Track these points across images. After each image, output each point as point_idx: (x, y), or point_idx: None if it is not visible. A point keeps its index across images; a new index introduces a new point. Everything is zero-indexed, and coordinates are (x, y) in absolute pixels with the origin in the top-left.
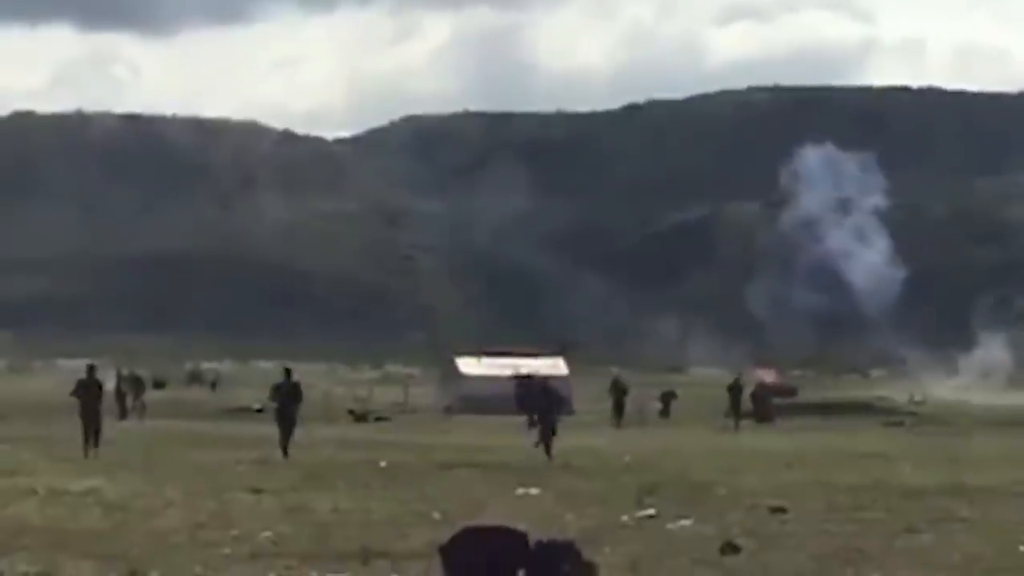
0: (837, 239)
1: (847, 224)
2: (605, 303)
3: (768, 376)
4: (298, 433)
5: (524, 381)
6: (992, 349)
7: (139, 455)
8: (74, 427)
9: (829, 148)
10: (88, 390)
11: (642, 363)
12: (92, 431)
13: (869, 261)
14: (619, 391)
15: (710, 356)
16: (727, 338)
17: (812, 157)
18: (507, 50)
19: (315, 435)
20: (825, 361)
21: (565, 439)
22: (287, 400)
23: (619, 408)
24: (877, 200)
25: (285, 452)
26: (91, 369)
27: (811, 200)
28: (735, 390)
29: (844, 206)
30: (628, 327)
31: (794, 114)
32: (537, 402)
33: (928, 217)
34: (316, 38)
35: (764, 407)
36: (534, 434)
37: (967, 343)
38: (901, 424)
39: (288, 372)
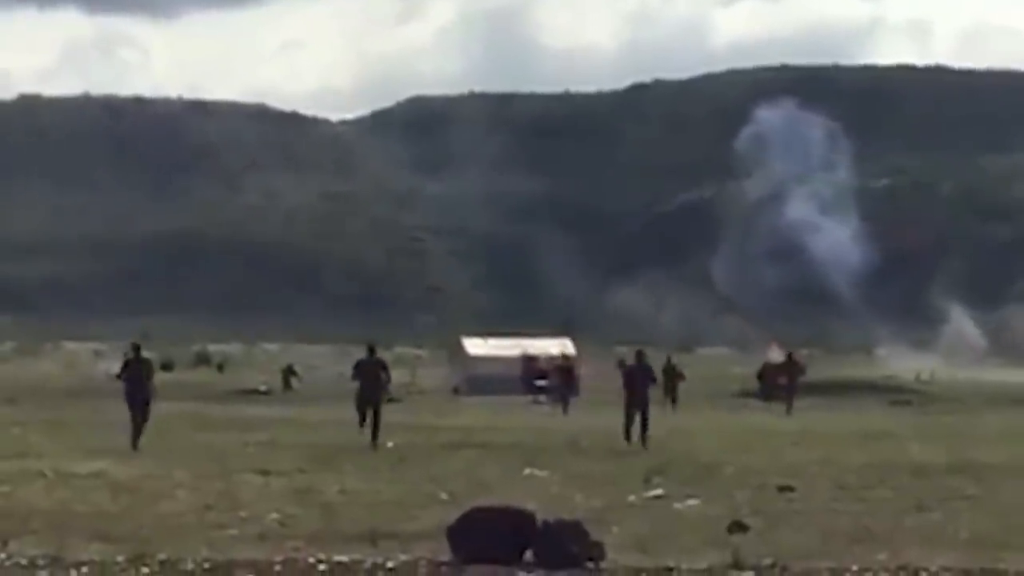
0: (801, 210)
1: (810, 194)
2: (611, 284)
3: (776, 355)
4: (306, 414)
5: (529, 363)
6: (1000, 325)
7: (147, 437)
8: (86, 410)
9: (790, 108)
10: (135, 371)
11: (651, 343)
12: (143, 416)
13: (836, 236)
14: (671, 372)
15: (718, 336)
16: (731, 319)
17: (772, 120)
18: (512, 30)
19: (323, 416)
20: (823, 340)
21: (572, 420)
22: (370, 380)
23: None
24: (843, 170)
25: (374, 438)
26: (137, 348)
27: (773, 169)
28: (793, 370)
29: (806, 176)
30: (633, 307)
31: (801, 93)
32: (631, 383)
33: (935, 194)
34: (321, 20)
35: (771, 386)
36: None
37: (972, 320)
38: (909, 403)
39: (371, 348)
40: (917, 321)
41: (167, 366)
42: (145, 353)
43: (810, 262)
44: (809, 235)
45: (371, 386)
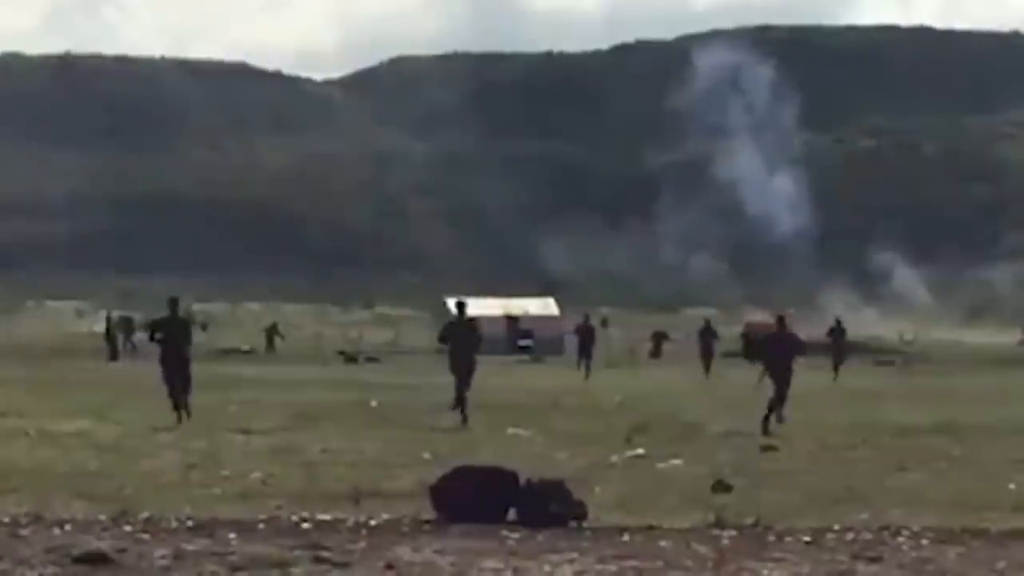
0: (752, 168)
1: (763, 153)
2: (596, 244)
3: (761, 316)
4: (289, 373)
5: (512, 323)
6: (984, 285)
7: (130, 397)
8: (68, 369)
9: (736, 56)
10: (172, 331)
11: (636, 303)
12: (180, 385)
13: (786, 193)
14: (709, 336)
15: (705, 296)
16: (718, 279)
17: (712, 67)
18: None
19: (305, 376)
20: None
21: (557, 380)
22: (462, 344)
23: (708, 354)
24: (795, 129)
25: (463, 410)
26: (175, 303)
27: (732, 128)
28: (836, 333)
29: (757, 127)
30: (621, 267)
31: (784, 54)
32: (770, 350)
33: (918, 155)
34: None
35: (753, 347)
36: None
37: (955, 279)
38: (892, 363)
39: (461, 307)
40: (861, 280)
41: None
42: (130, 313)
43: (760, 220)
44: (757, 193)
45: (464, 351)
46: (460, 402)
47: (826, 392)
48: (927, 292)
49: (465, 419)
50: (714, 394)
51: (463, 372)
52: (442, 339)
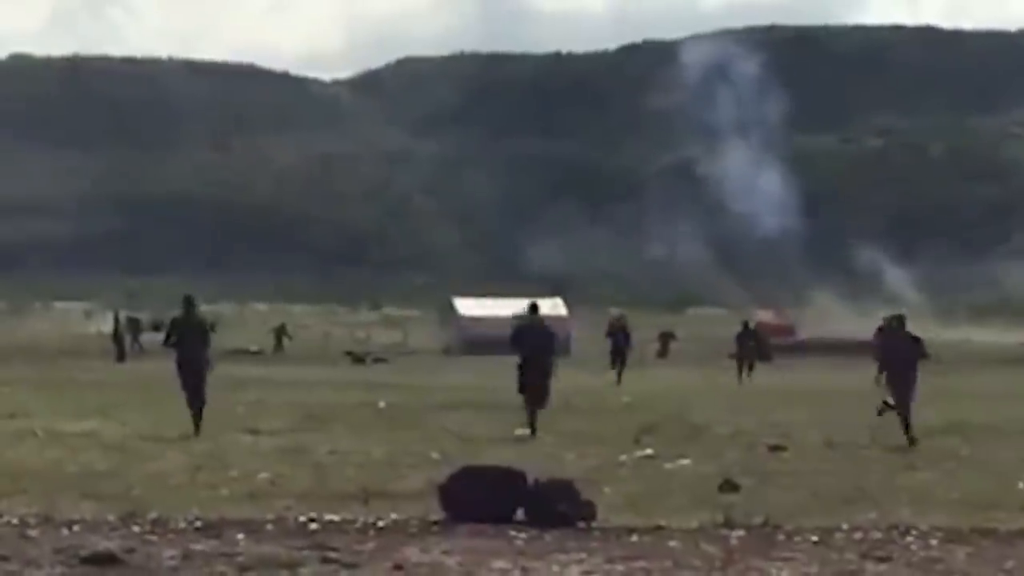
0: (744, 167)
1: (748, 147)
2: (604, 244)
3: (767, 315)
4: (297, 374)
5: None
6: (992, 284)
7: (137, 397)
8: (76, 370)
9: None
10: (188, 333)
11: (642, 303)
12: (196, 392)
13: (776, 193)
14: (747, 336)
15: (710, 296)
16: (722, 280)
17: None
18: None
19: (313, 376)
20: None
21: (566, 380)
22: (536, 349)
23: (744, 356)
24: (788, 127)
25: (533, 421)
26: (190, 303)
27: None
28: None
29: (743, 126)
30: (628, 268)
31: (791, 54)
32: (890, 352)
33: (926, 155)
34: None
35: (762, 346)
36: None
37: (962, 279)
38: None
39: (534, 308)
40: (869, 280)
41: (157, 326)
42: (138, 314)
43: (758, 220)
44: (745, 192)
45: (538, 356)
46: (535, 412)
47: (835, 391)
48: (931, 292)
49: (534, 430)
50: (722, 394)
51: (541, 380)
52: (515, 342)
